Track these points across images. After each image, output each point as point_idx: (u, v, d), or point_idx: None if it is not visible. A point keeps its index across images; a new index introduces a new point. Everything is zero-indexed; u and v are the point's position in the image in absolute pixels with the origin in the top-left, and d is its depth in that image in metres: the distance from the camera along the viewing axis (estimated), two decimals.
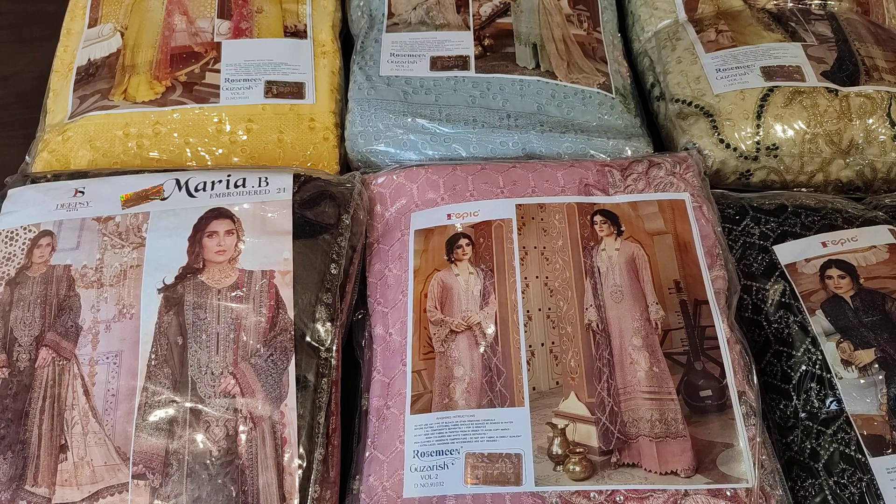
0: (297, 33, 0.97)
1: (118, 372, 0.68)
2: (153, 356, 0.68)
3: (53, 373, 0.68)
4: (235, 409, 0.66)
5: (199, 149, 0.88)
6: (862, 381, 0.69)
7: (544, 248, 0.76)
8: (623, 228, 0.77)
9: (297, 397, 0.67)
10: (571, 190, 0.80)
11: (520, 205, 0.79)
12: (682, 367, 0.70)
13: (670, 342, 0.71)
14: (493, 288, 0.75)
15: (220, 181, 0.78)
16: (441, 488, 0.66)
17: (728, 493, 0.64)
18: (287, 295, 0.71)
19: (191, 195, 0.77)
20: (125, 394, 0.67)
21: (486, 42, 0.96)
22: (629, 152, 0.89)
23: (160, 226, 0.75)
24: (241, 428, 0.66)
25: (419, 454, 0.68)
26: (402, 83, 0.92)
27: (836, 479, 0.67)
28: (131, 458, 0.65)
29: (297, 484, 0.65)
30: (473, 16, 0.98)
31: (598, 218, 0.78)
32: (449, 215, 0.79)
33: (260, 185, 0.77)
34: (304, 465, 0.66)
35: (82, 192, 0.77)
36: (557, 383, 0.70)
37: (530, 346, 0.71)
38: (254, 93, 0.90)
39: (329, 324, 0.72)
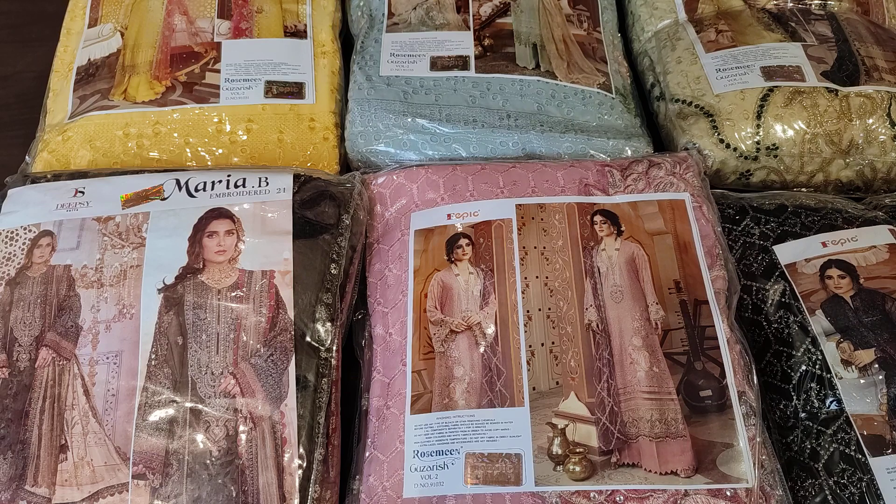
0: (297, 33, 0.97)
1: (118, 372, 0.68)
2: (153, 356, 0.68)
3: (53, 373, 0.68)
4: (235, 409, 0.66)
5: (199, 149, 0.88)
6: (862, 381, 0.69)
7: (544, 248, 0.76)
8: (623, 228, 0.77)
9: (297, 397, 0.67)
10: (571, 190, 0.80)
11: (520, 205, 0.79)
12: (682, 367, 0.70)
13: (670, 342, 0.71)
14: (493, 288, 0.75)
15: (220, 181, 0.78)
16: (441, 488, 0.66)
17: (728, 493, 0.64)
18: (287, 295, 0.71)
19: (191, 195, 0.77)
20: (125, 394, 0.67)
21: (486, 42, 0.96)
22: (629, 152, 0.89)
23: (160, 226, 0.75)
24: (241, 428, 0.66)
25: (419, 454, 0.68)
26: (402, 83, 0.92)
27: (836, 479, 0.67)
28: (131, 458, 0.65)
29: (297, 484, 0.65)
30: (473, 16, 0.98)
31: (598, 218, 0.78)
32: (449, 215, 0.79)
33: (260, 185, 0.77)
34: (304, 465, 0.66)
35: (82, 192, 0.77)
36: (557, 383, 0.70)
37: (530, 346, 0.71)
38: (254, 93, 0.90)
39: (329, 324, 0.72)
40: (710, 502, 0.64)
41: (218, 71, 0.92)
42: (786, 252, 0.78)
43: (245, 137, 0.89)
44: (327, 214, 0.77)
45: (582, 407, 0.69)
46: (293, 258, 0.73)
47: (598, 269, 0.75)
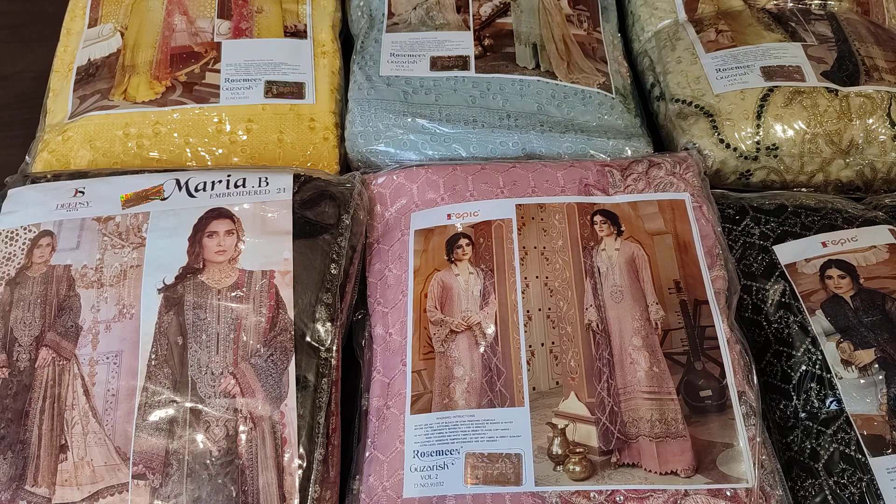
0: (297, 33, 0.97)
1: (118, 372, 0.68)
2: (153, 356, 0.68)
3: (53, 373, 0.68)
4: (235, 409, 0.66)
5: (199, 149, 0.88)
6: (862, 381, 0.69)
7: (544, 248, 0.76)
8: (623, 228, 0.77)
9: (297, 397, 0.67)
10: (571, 190, 0.80)
11: (520, 205, 0.79)
12: (682, 367, 0.70)
13: (670, 342, 0.71)
14: (493, 288, 0.75)
15: (220, 181, 0.78)
16: (441, 488, 0.66)
17: (728, 493, 0.64)
18: (287, 295, 0.71)
19: (191, 195, 0.77)
20: (125, 394, 0.67)
21: (486, 42, 0.96)
22: (629, 152, 0.89)
23: (160, 226, 0.75)
24: (241, 428, 0.66)
25: (419, 454, 0.68)
26: (402, 83, 0.92)
27: (836, 479, 0.67)
28: (131, 458, 0.65)
29: (297, 484, 0.65)
30: (473, 16, 0.98)
31: (598, 218, 0.78)
32: (449, 215, 0.79)
33: (260, 185, 0.77)
34: (304, 465, 0.66)
35: (82, 192, 0.77)
36: (557, 383, 0.70)
37: (530, 346, 0.71)
38: (254, 93, 0.90)
39: (329, 324, 0.72)
40: (710, 502, 0.64)
41: (218, 71, 0.92)
42: (786, 252, 0.78)
43: (245, 137, 0.89)
44: (327, 214, 0.77)
45: (582, 407, 0.69)
46: (293, 258, 0.73)
47: (598, 269, 0.75)
